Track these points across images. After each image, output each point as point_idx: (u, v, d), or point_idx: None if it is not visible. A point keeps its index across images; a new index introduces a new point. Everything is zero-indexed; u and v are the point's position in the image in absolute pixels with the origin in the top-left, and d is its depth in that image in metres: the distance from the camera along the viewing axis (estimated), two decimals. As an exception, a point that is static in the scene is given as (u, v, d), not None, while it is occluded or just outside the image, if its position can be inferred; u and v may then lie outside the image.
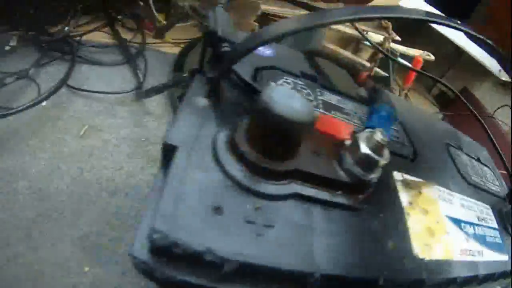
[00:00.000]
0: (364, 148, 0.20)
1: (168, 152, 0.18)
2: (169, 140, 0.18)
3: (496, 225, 0.31)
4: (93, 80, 0.79)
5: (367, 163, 0.20)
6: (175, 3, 0.80)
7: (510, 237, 0.31)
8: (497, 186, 0.36)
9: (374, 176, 0.21)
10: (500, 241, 0.30)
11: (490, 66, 0.95)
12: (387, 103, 0.26)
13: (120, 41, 0.85)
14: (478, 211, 0.31)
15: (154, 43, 0.90)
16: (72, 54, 0.77)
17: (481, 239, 0.29)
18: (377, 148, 0.20)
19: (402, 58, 0.43)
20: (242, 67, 0.25)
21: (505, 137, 0.87)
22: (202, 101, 0.22)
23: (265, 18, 0.49)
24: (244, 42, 0.20)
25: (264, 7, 0.49)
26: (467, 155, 0.35)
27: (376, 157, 0.20)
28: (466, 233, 0.28)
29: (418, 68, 0.48)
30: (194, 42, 0.84)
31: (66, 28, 0.81)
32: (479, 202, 0.32)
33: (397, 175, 0.26)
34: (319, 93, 0.28)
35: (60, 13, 0.83)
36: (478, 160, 0.36)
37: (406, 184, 0.26)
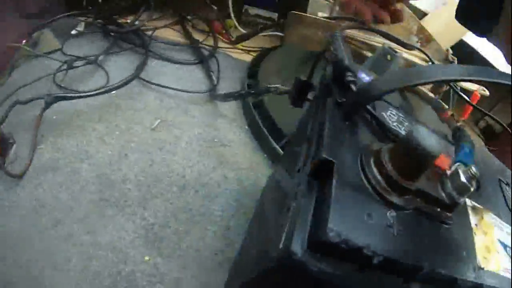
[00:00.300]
0: (463, 178, 0.26)
1: (323, 164, 0.24)
2: (327, 155, 0.24)
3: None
4: (164, 76, 0.77)
5: (463, 190, 0.26)
6: (247, 11, 0.84)
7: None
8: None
9: (463, 200, 0.27)
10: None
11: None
12: (469, 142, 0.32)
13: (192, 41, 0.86)
14: (519, 241, 0.37)
15: (224, 47, 0.90)
16: (144, 47, 0.77)
17: (520, 263, 0.35)
18: (471, 179, 0.27)
19: (461, 91, 0.48)
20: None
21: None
22: (340, 123, 0.28)
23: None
24: (376, 87, 0.26)
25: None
26: (513, 191, 0.42)
27: (470, 186, 0.26)
28: (509, 255, 0.35)
29: (475, 102, 0.53)
30: (266, 51, 0.87)
31: (137, 22, 0.82)
32: (521, 233, 0.38)
33: (468, 201, 0.32)
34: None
35: (129, 5, 0.84)
36: (521, 196, 0.42)
37: (474, 209, 0.33)
